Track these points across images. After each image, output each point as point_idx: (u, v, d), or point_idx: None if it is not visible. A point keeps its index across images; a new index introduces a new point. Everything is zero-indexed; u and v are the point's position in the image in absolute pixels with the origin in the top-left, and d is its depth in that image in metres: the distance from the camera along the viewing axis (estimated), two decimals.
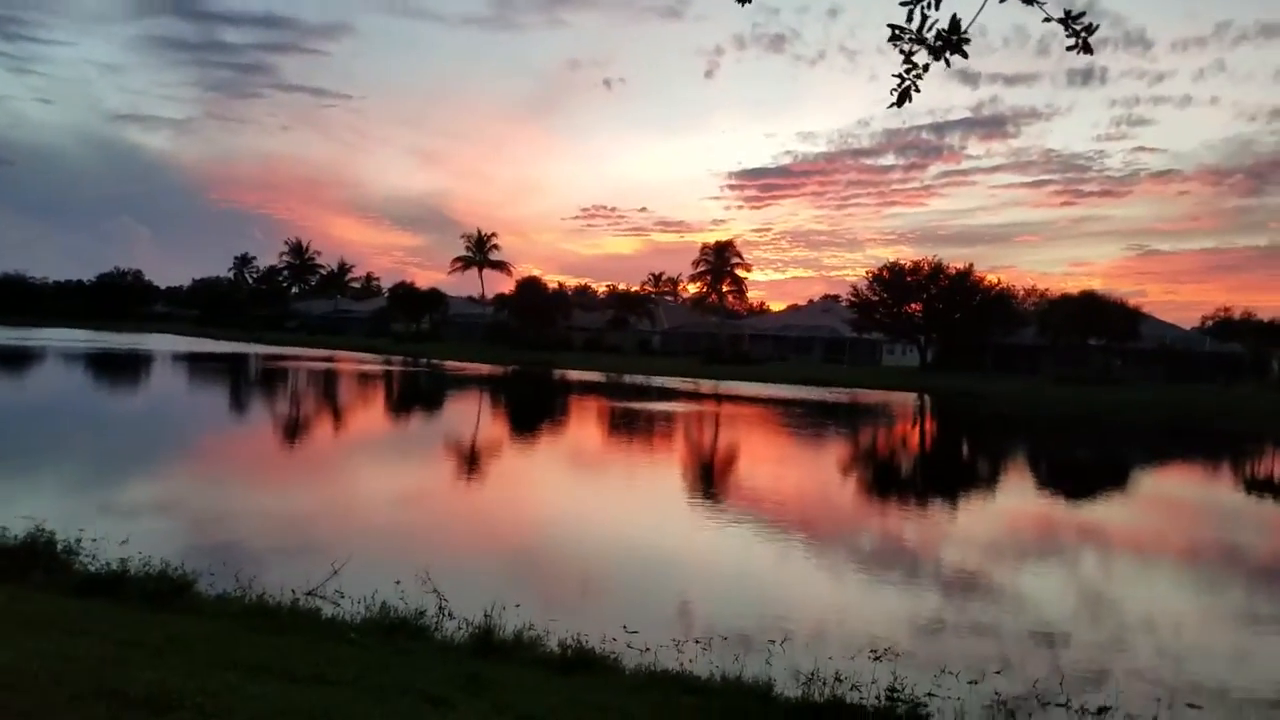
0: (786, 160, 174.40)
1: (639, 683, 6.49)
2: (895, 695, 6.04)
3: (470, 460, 22.56)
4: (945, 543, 14.70)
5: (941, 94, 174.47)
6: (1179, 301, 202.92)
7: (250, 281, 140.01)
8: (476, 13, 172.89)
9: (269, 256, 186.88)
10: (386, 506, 15.90)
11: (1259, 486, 24.62)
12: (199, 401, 35.68)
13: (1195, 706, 7.37)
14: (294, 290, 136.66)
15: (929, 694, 6.59)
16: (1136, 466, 29.08)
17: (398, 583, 9.83)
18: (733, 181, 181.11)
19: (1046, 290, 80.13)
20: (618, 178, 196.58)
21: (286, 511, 14.83)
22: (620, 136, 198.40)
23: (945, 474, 25.28)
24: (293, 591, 8.79)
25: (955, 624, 9.95)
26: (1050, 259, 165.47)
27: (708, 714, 5.69)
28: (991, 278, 76.84)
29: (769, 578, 11.83)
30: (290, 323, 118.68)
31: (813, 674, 7.09)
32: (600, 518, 15.73)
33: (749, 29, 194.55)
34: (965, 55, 4.10)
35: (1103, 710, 6.75)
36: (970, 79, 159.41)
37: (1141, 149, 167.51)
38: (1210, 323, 78.91)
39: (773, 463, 24.64)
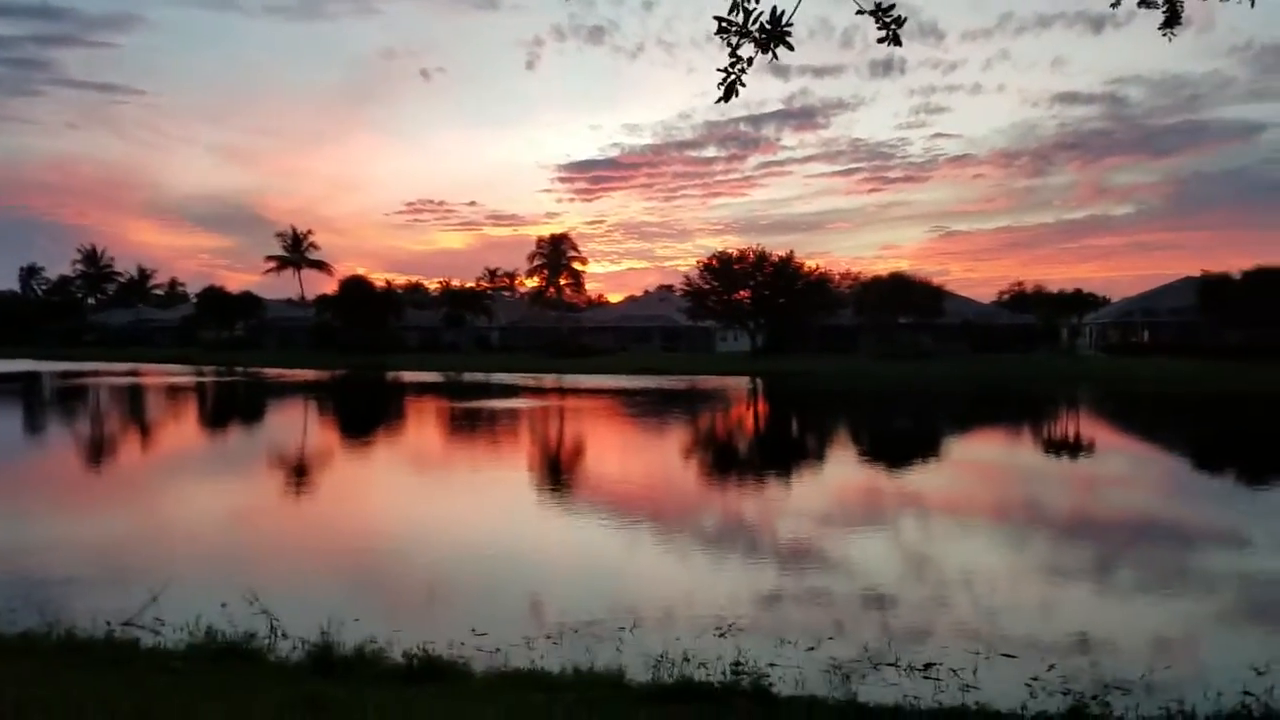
0: (614, 152, 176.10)
1: (490, 686, 6.40)
2: (740, 669, 6.25)
3: (295, 472, 21.52)
4: (780, 516, 15.34)
5: (756, 86, 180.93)
6: (978, 278, 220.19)
7: (39, 294, 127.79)
8: (281, 2, 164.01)
9: (60, 266, 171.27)
10: (206, 527, 14.92)
11: (1056, 446, 27.16)
12: None
13: (1010, 656, 8.00)
14: (90, 301, 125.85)
15: (770, 664, 6.85)
16: (951, 433, 31.47)
17: (224, 605, 9.28)
18: (563, 174, 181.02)
19: (860, 273, 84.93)
20: (443, 171, 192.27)
21: (93, 539, 13.63)
22: (443, 128, 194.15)
23: (779, 450, 26.38)
24: (107, 623, 8.12)
25: (791, 594, 10.40)
26: (862, 244, 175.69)
27: (559, 709, 5.69)
28: (811, 263, 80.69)
29: (616, 566, 11.96)
30: (88, 336, 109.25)
31: (661, 656, 7.25)
32: (440, 522, 15.36)
33: (567, 20, 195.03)
34: (790, 47, 4.20)
35: (929, 666, 7.23)
36: (781, 71, 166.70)
37: (940, 135, 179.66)
38: (1006, 297, 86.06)
39: (614, 451, 24.90)
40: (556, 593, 10.44)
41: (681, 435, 29.13)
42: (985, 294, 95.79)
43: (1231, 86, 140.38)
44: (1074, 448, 26.60)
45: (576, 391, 46.88)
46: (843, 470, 21.88)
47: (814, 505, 16.56)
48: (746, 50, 4.19)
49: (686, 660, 6.81)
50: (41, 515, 15.73)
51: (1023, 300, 78.82)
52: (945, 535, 14.04)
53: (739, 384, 54.99)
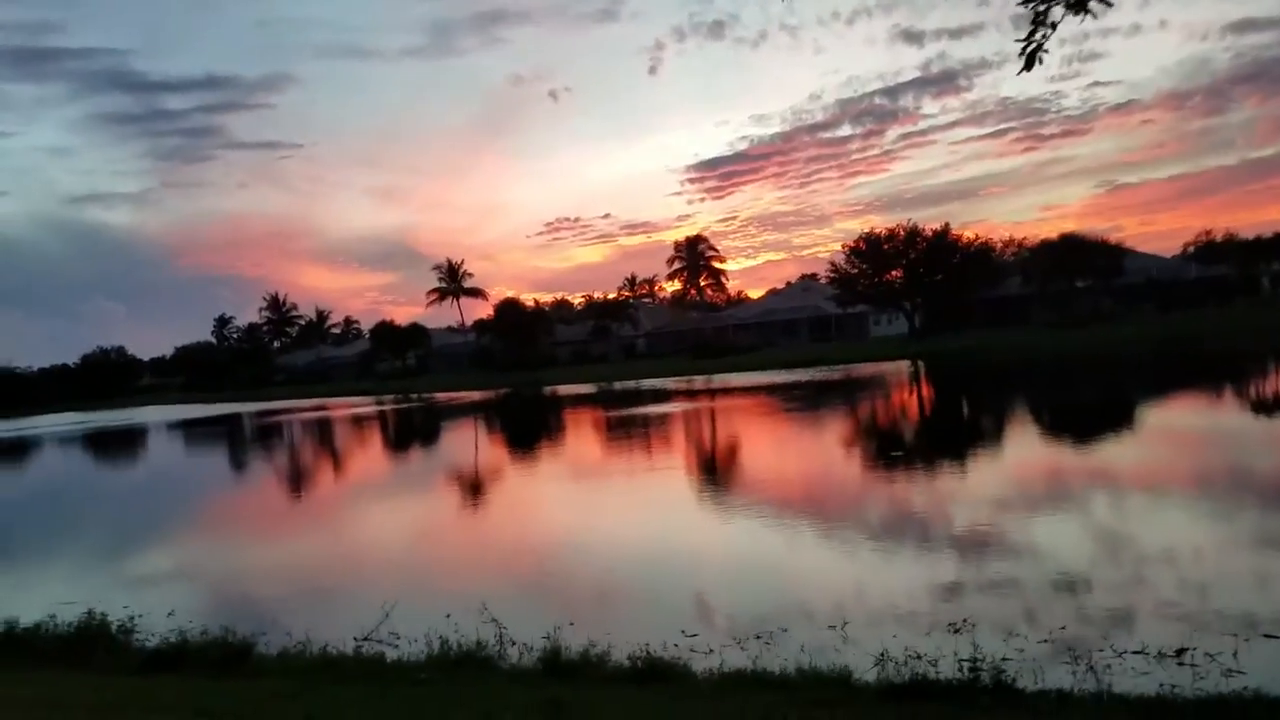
0: (743, 146, 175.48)
1: (715, 686, 6.47)
2: (977, 665, 6.01)
3: (482, 487, 22.49)
4: (964, 503, 14.70)
5: (889, 56, 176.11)
6: (1156, 232, 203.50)
7: (232, 341, 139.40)
8: (414, 44, 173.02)
9: (246, 314, 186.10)
10: (410, 544, 15.83)
11: (1260, 407, 24.77)
12: (202, 466, 35.42)
13: (1272, 637, 7.34)
14: (276, 344, 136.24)
15: (1002, 658, 6.57)
16: (1138, 401, 29.25)
17: (448, 616, 9.81)
18: (692, 175, 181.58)
19: (1025, 239, 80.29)
20: (577, 187, 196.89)
21: (309, 562, 14.73)
22: (574, 146, 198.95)
23: (948, 435, 25.33)
24: (355, 640, 8.73)
25: (999, 584, 9.96)
26: (1021, 207, 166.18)
27: (793, 708, 5.67)
28: (969, 234, 77.04)
29: (802, 564, 11.80)
30: (277, 377, 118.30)
31: (882, 654, 7.10)
32: (622, 528, 15.64)
33: (686, 19, 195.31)
34: (1109, 3, 3.97)
35: (1181, 651, 6.75)
36: (915, 38, 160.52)
37: (1097, 84, 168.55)
38: (1193, 249, 79.30)
39: (774, 448, 24.65)
40: (749, 593, 10.42)
41: (841, 426, 28.52)
42: (1167, 248, 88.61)
43: None
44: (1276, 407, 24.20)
45: (727, 391, 46.76)
46: (1020, 450, 20.78)
47: (998, 489, 15.79)
48: (1055, 13, 3.98)
49: (916, 658, 6.61)
50: (258, 543, 17.15)
51: (1213, 250, 72.34)
52: (1150, 512, 13.07)
53: (898, 369, 53.30)
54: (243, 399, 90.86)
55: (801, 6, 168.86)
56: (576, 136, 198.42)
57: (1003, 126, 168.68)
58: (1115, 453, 19.26)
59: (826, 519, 14.20)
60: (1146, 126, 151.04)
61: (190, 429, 57.40)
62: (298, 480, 27.19)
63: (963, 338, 65.47)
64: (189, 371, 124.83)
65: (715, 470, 21.57)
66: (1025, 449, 21.02)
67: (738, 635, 8.30)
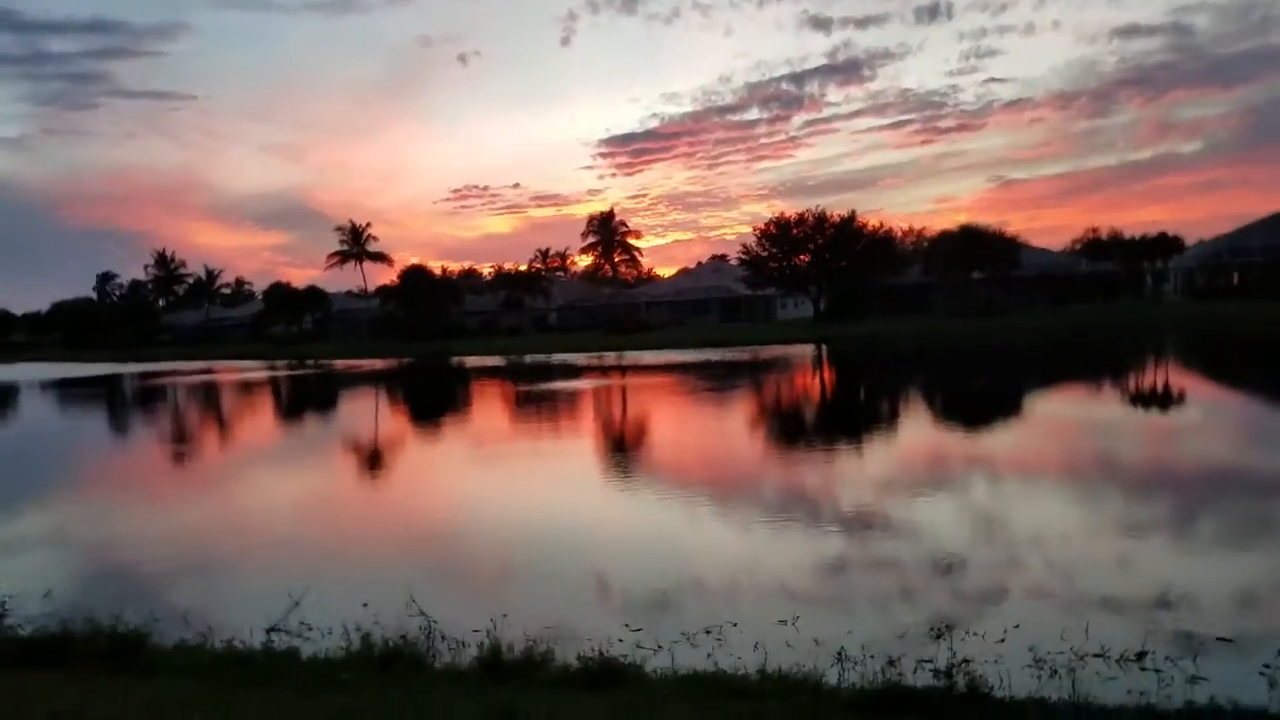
0: (654, 123, 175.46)
1: (674, 690, 6.01)
2: (952, 670, 5.70)
3: (380, 461, 21.55)
4: (893, 491, 14.70)
5: (796, 42, 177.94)
6: (1041, 227, 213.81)
7: (115, 299, 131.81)
8: None
9: (131, 271, 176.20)
10: (309, 521, 14.90)
11: (1143, 399, 26.00)
12: (78, 429, 33.01)
13: (1226, 640, 7.27)
14: (161, 303, 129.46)
15: (964, 660, 6.31)
16: (1031, 389, 30.38)
17: (365, 605, 9.09)
18: (603, 149, 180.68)
19: (924, 229, 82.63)
20: (486, 155, 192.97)
21: (198, 538, 13.64)
22: (483, 112, 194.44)
23: (856, 416, 25.65)
24: (262, 631, 7.94)
25: (937, 579, 9.85)
26: (916, 198, 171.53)
27: None
28: (874, 222, 78.66)
29: (738, 553, 11.49)
30: (162, 337, 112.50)
31: (840, 653, 6.79)
32: (537, 510, 15.02)
33: None
34: None
35: (1141, 655, 6.64)
36: (822, 24, 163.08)
37: (992, 80, 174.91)
38: (1079, 245, 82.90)
39: (690, 428, 24.44)
40: (689, 583, 10.03)
41: (751, 407, 28.57)
42: (1050, 243, 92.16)
43: None
44: (1164, 400, 25.44)
45: (639, 368, 46.50)
46: (917, 433, 21.15)
47: (916, 477, 15.88)
48: None
49: (875, 658, 6.32)
50: (152, 515, 15.88)
51: (1099, 247, 75.82)
52: (1043, 498, 13.29)
53: (804, 352, 54.07)
54: (125, 359, 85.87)
55: None
56: (486, 103, 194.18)
57: (902, 118, 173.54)
58: (1006, 438, 19.87)
59: (751, 501, 13.96)
60: (1036, 125, 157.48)
61: (66, 389, 53.80)
62: (183, 448, 25.55)
63: (865, 323, 66.89)
64: (67, 328, 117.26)
65: (628, 449, 21.15)
66: (922, 432, 21.47)
67: (686, 630, 7.87)
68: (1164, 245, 72.88)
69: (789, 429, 23.60)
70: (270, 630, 8.39)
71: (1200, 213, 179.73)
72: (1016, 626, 7.47)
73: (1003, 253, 71.29)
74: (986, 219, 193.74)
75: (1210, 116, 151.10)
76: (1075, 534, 11.31)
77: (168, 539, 13.89)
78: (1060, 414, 24.21)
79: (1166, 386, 29.08)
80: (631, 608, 9.18)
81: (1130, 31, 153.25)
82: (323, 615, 8.96)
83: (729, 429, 23.77)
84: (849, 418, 25.97)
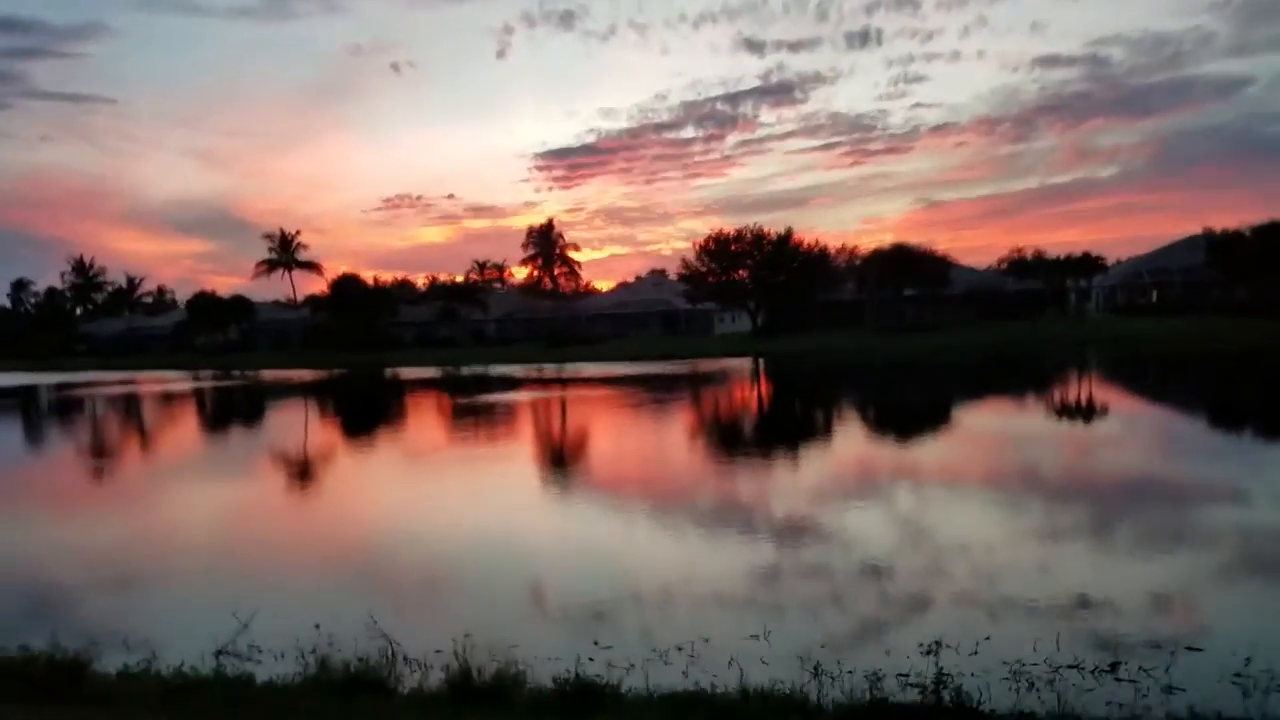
0: (591, 138, 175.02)
1: (658, 713, 5.82)
2: (940, 685, 5.64)
3: (309, 475, 20.89)
4: (847, 503, 14.75)
5: (731, 63, 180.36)
6: (965, 248, 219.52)
7: (29, 307, 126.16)
8: (246, 4, 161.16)
9: (48, 278, 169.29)
10: (243, 537, 14.28)
11: (1070, 411, 26.91)
12: None
13: (1195, 649, 7.31)
14: (79, 312, 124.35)
15: (943, 672, 6.26)
16: (960, 403, 31.15)
17: (317, 627, 8.72)
18: (540, 163, 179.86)
19: (856, 248, 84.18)
20: (419, 165, 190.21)
21: (128, 555, 12.94)
22: (417, 122, 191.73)
23: (791, 428, 25.83)
24: (210, 655, 7.50)
25: (904, 591, 9.86)
26: (846, 217, 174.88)
27: None
28: (810, 239, 79.86)
29: (692, 565, 11.33)
30: (79, 346, 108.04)
31: (817, 668, 6.71)
32: (491, 524, 14.68)
33: (536, 6, 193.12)
34: None
35: (1115, 665, 6.69)
36: (756, 47, 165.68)
37: (919, 105, 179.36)
38: (1005, 264, 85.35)
39: (632, 441, 24.28)
40: (645, 595, 9.83)
41: (693, 419, 28.58)
42: (975, 263, 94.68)
43: (1213, 42, 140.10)
44: (1089, 413, 26.30)
45: (582, 381, 46.23)
46: (858, 447, 21.41)
47: (852, 487, 16.00)
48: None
49: (849, 672, 6.24)
50: (76, 531, 15.02)
51: (1024, 266, 78.21)
52: (1001, 511, 13.50)
53: (742, 365, 54.44)
54: (41, 369, 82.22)
55: (650, 6, 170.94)
56: (420, 113, 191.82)
57: (833, 140, 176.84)
58: (934, 448, 20.40)
59: (692, 511, 13.85)
60: (961, 149, 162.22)
61: None
62: (102, 462, 24.38)
63: (801, 339, 67.73)
64: None
65: (568, 461, 20.87)
66: (853, 442, 21.87)
67: (656, 647, 7.69)
68: (1087, 264, 75.51)
69: (727, 440, 23.63)
70: (219, 653, 7.96)
71: (1115, 234, 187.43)
72: (987, 638, 7.48)
73: (933, 271, 73.02)
74: (913, 238, 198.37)
75: (1124, 144, 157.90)
76: (1004, 542, 11.49)
77: (88, 557, 13.13)
78: (987, 425, 24.85)
79: (1090, 399, 30.08)
80: (588, 622, 8.93)
81: (1051, 61, 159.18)
82: (271, 636, 8.56)
83: (670, 440, 23.68)
84: (783, 429, 26.16)
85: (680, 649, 7.61)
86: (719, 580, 10.31)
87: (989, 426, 24.68)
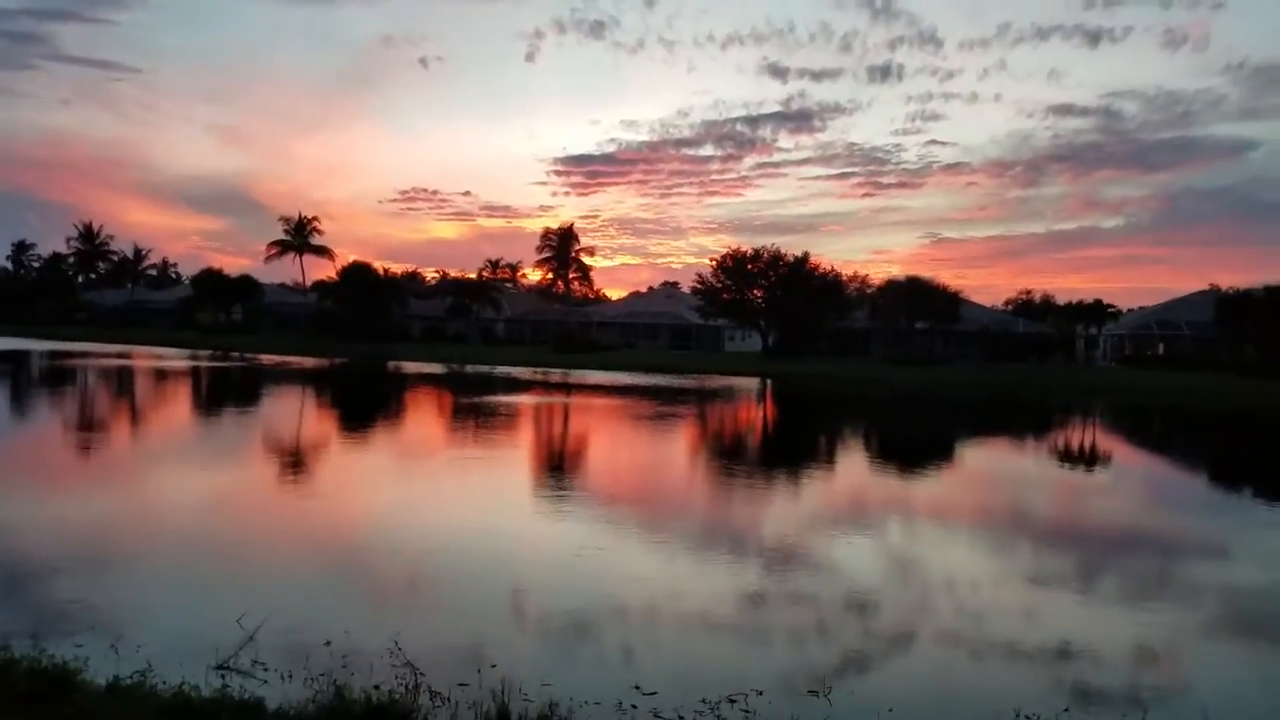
0: (611, 148, 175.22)
1: None
2: None
3: (324, 472, 20.14)
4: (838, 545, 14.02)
5: (754, 86, 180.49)
6: (969, 286, 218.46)
7: (30, 270, 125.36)
8: None
9: (52, 243, 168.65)
10: (239, 530, 13.51)
11: (1070, 456, 26.65)
12: None
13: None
14: (80, 280, 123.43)
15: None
16: (962, 440, 30.72)
17: (328, 644, 7.99)
18: (559, 167, 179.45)
19: (868, 276, 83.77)
20: (439, 160, 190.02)
21: (116, 544, 12.15)
22: (440, 118, 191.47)
23: (812, 453, 25.11)
24: (218, 673, 6.76)
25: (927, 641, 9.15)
26: (854, 247, 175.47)
27: None
28: (825, 265, 79.44)
29: (718, 602, 10.59)
30: (80, 315, 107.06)
31: None
32: (490, 537, 13.93)
33: (568, 13, 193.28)
34: None
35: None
36: (780, 73, 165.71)
37: (934, 142, 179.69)
38: (1012, 305, 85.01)
39: (641, 453, 23.57)
40: (677, 634, 9.09)
41: (712, 441, 27.86)
42: (978, 301, 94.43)
43: (1224, 104, 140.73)
44: (1092, 462, 25.89)
45: (589, 388, 45.49)
46: (861, 478, 20.78)
47: (859, 517, 15.27)
48: None
49: None
50: (59, 514, 14.23)
51: (1030, 309, 77.83)
52: (993, 554, 12.79)
53: (751, 384, 53.73)
54: (39, 335, 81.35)
55: (680, 23, 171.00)
56: (443, 109, 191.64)
57: (847, 170, 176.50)
58: (933, 485, 20.04)
59: (695, 536, 13.11)
60: (972, 188, 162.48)
61: None
62: (83, 438, 23.49)
63: (810, 362, 67.06)
64: None
65: (578, 475, 20.13)
66: (857, 472, 21.43)
67: (705, 697, 6.95)
68: (1098, 312, 75.05)
69: (737, 462, 22.91)
70: (220, 668, 7.22)
71: (1118, 284, 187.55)
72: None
73: (946, 306, 72.51)
74: (920, 273, 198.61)
75: (1132, 196, 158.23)
76: (991, 583, 10.86)
77: (76, 542, 12.36)
78: (986, 465, 24.61)
79: (1093, 447, 29.71)
80: (616, 655, 8.17)
81: (1065, 110, 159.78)
82: (273, 648, 7.81)
83: (683, 460, 22.94)
84: (790, 455, 25.50)
85: (733, 702, 6.87)
86: (735, 607, 9.56)
87: (989, 467, 24.48)
